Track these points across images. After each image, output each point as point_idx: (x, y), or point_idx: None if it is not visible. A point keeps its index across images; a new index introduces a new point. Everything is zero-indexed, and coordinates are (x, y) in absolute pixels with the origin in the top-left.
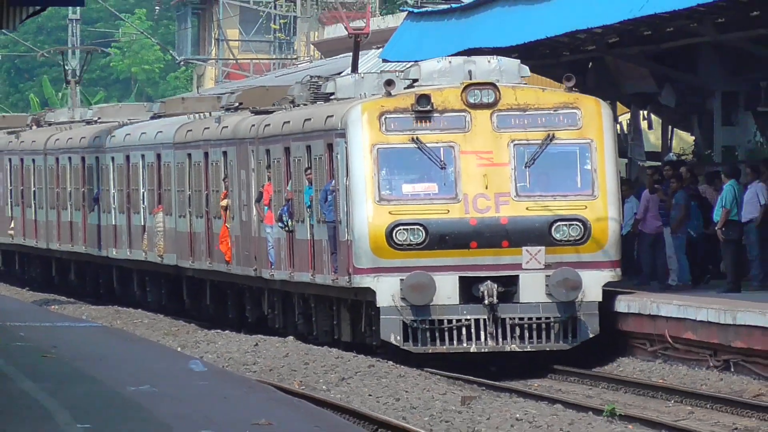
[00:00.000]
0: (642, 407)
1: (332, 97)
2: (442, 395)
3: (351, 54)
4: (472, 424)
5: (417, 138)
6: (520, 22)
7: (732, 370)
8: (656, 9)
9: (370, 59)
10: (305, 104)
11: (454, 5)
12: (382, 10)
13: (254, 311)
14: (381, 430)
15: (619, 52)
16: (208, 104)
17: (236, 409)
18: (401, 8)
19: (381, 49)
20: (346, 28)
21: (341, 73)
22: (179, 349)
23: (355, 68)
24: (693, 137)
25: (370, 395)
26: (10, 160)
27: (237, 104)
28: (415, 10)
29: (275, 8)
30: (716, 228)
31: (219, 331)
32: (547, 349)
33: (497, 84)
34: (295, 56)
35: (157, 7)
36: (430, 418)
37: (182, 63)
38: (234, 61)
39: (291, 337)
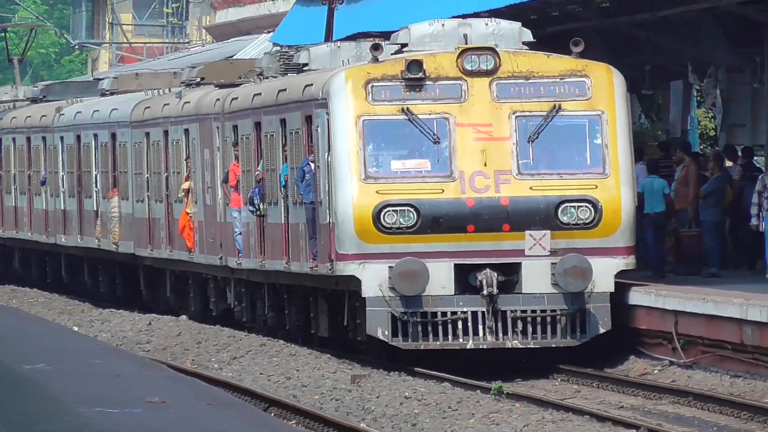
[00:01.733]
0: (529, 386)
1: (305, 68)
2: (332, 374)
3: (244, 38)
4: (361, 402)
5: (407, 109)
6: (407, 7)
7: (618, 349)
8: None
9: (260, 43)
10: (275, 76)
11: None
12: None
13: (219, 303)
14: (272, 408)
15: None
16: (164, 80)
17: (130, 388)
18: None
19: (272, 33)
20: None
21: (232, 56)
22: (74, 328)
23: (329, 37)
24: None
25: (261, 374)
26: None
27: (199, 79)
28: None
29: None
30: None
31: (113, 310)
32: (553, 345)
33: (497, 49)
34: (187, 40)
35: None
36: (321, 396)
37: (77, 47)
38: (127, 45)
39: (184, 317)
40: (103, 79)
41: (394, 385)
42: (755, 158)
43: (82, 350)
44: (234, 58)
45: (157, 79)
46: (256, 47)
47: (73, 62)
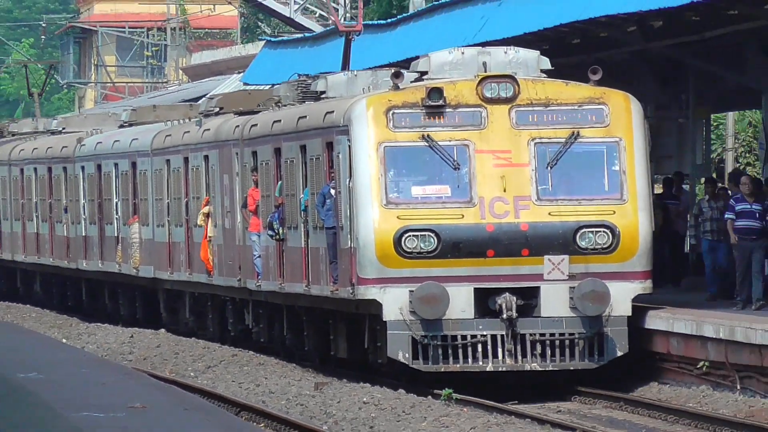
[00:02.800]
0: (477, 392)
1: (323, 96)
2: (297, 381)
3: (216, 78)
4: (324, 407)
5: (428, 135)
6: (364, 51)
7: None
8: (488, 36)
9: (232, 83)
10: (293, 104)
11: (306, 35)
12: (243, 39)
13: (237, 325)
14: (243, 413)
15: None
16: (181, 112)
17: (114, 394)
18: (260, 37)
19: (242, 74)
20: (336, 24)
21: (206, 94)
22: (63, 340)
23: (345, 66)
24: None
25: (233, 381)
26: None
27: (217, 109)
28: (273, 39)
29: (148, 37)
30: None
31: (98, 324)
32: (571, 368)
33: (516, 76)
34: (165, 80)
35: (42, 37)
36: (287, 401)
37: (65, 86)
38: (111, 84)
39: (162, 330)
40: (122, 111)
41: (354, 391)
42: (684, 185)
43: (70, 360)
44: (213, 93)
45: (174, 110)
46: (227, 86)
47: (62, 99)
